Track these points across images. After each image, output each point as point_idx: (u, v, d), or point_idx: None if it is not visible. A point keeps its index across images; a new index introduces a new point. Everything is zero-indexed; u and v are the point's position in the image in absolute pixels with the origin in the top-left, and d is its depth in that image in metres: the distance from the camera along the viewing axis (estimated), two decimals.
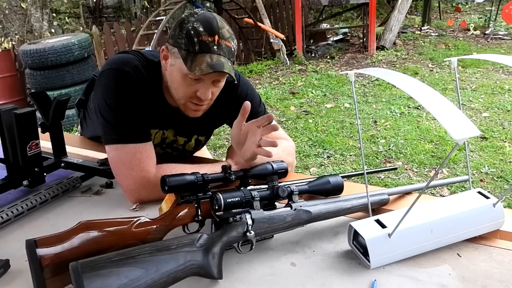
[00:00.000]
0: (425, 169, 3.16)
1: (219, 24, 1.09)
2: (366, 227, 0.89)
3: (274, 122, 1.06)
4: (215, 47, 1.07)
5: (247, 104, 1.07)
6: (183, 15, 1.12)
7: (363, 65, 6.00)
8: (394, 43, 6.75)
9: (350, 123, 4.06)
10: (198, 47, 1.06)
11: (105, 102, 1.16)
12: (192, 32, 1.07)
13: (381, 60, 6.16)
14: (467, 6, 9.48)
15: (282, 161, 1.02)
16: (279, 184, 0.96)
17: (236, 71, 1.35)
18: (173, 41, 1.11)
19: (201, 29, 1.07)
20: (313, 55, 6.70)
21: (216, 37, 1.07)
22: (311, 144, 3.70)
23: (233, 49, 1.12)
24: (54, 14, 7.60)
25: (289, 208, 0.94)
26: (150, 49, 5.01)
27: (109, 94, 1.16)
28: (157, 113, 1.25)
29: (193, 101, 1.17)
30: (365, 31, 6.73)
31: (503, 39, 6.83)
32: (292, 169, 1.32)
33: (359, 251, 0.90)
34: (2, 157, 1.18)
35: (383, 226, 0.88)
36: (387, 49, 6.49)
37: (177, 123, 1.31)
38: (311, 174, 2.90)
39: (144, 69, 1.19)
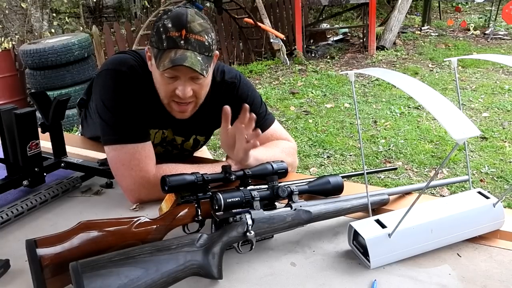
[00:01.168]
0: (425, 169, 3.16)
1: (188, 18, 1.07)
2: (366, 227, 0.89)
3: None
4: (182, 41, 1.06)
5: (227, 108, 1.08)
6: (159, 14, 1.12)
7: (363, 65, 6.00)
8: (394, 43, 6.75)
9: (350, 123, 4.06)
10: (166, 43, 1.06)
11: (102, 102, 1.16)
12: (161, 29, 1.07)
13: (381, 60, 6.16)
14: (467, 6, 9.48)
15: (282, 161, 1.02)
16: (279, 184, 0.96)
17: (237, 71, 1.34)
18: (150, 41, 1.12)
19: (169, 25, 1.06)
20: (313, 55, 6.70)
21: (184, 32, 1.06)
22: (311, 144, 3.70)
23: (206, 43, 1.09)
24: (54, 14, 7.59)
25: (289, 208, 0.94)
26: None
27: (107, 95, 1.17)
28: (155, 112, 1.25)
29: (174, 100, 1.15)
30: (365, 31, 6.73)
31: (503, 39, 6.83)
32: (293, 170, 1.32)
33: (359, 251, 0.90)
34: (2, 157, 1.19)
35: (383, 226, 0.88)
36: (387, 49, 6.49)
37: (174, 123, 1.31)
38: (311, 174, 2.90)
39: (141, 69, 1.19)
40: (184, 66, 1.04)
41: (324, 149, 3.58)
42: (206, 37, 1.09)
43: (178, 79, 1.11)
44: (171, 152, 1.40)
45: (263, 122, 1.33)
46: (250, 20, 6.07)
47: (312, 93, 4.96)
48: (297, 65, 6.09)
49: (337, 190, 1.03)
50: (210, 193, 0.94)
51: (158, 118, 1.27)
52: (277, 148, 1.27)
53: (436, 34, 7.44)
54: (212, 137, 1.49)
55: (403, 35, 7.31)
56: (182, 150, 1.41)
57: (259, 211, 0.90)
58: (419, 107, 4.25)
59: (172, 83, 1.12)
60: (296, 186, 0.98)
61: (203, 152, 1.64)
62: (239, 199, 0.89)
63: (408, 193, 1.13)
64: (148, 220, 0.91)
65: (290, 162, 1.25)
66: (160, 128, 1.31)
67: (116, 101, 1.16)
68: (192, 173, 0.94)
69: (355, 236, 0.91)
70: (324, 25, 7.98)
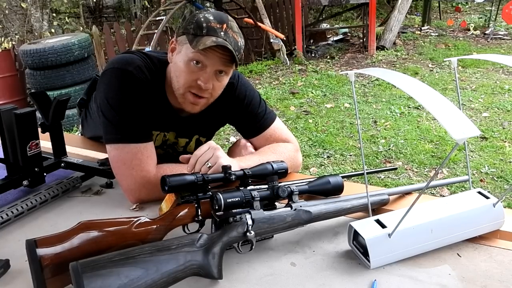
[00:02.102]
0: (425, 169, 3.16)
1: (229, 18, 1.13)
2: (366, 227, 0.89)
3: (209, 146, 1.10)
4: (222, 33, 1.09)
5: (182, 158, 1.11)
6: (197, 11, 1.15)
7: (363, 65, 6.00)
8: (394, 43, 6.75)
9: (350, 123, 4.05)
10: (205, 30, 1.09)
11: (107, 101, 1.16)
12: (202, 19, 1.10)
13: (381, 60, 6.16)
14: (467, 6, 9.48)
15: (282, 161, 1.02)
16: (279, 184, 0.96)
17: (235, 71, 1.34)
18: (183, 30, 1.13)
19: (211, 17, 1.10)
20: (313, 55, 6.70)
21: (225, 26, 1.10)
22: (311, 144, 3.70)
23: (239, 44, 1.13)
24: (54, 14, 7.59)
25: (289, 208, 0.94)
26: (150, 49, 5.01)
27: (112, 94, 1.16)
28: (159, 114, 1.25)
29: (192, 91, 1.16)
30: (365, 31, 6.73)
31: (503, 39, 6.83)
32: (296, 170, 1.31)
33: (359, 251, 0.90)
34: (2, 157, 1.18)
35: (383, 226, 0.88)
36: (387, 49, 6.49)
37: (178, 125, 1.31)
38: (311, 174, 2.90)
39: (147, 69, 1.19)
40: (225, 49, 1.08)
41: (324, 149, 3.58)
42: (240, 39, 1.14)
43: (204, 69, 1.12)
44: (172, 154, 1.40)
45: (262, 122, 1.32)
46: (250, 20, 6.07)
47: (312, 93, 4.96)
48: (297, 65, 6.09)
49: (337, 190, 1.03)
50: (210, 193, 0.94)
51: (162, 120, 1.27)
52: (273, 154, 1.25)
53: (436, 34, 7.44)
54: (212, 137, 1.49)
55: (403, 35, 7.31)
56: (185, 153, 1.41)
57: (259, 211, 0.90)
58: (419, 107, 4.25)
59: (196, 72, 1.13)
60: (296, 186, 0.98)
61: None
62: (239, 199, 0.89)
63: (408, 193, 1.13)
64: (148, 220, 0.91)
65: (289, 166, 1.24)
66: (162, 131, 1.31)
67: (120, 100, 1.16)
68: (192, 173, 0.94)
69: (355, 236, 0.91)
70: (324, 25, 7.98)
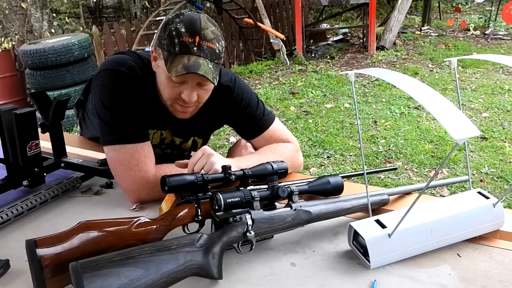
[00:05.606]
0: (425, 169, 3.16)
1: (202, 25, 1.07)
2: (366, 227, 0.89)
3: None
4: (195, 48, 1.06)
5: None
6: (170, 16, 1.12)
7: (363, 65, 6.00)
8: (394, 43, 6.74)
9: (350, 123, 4.05)
10: (178, 48, 1.06)
11: (101, 103, 1.16)
12: (174, 33, 1.06)
13: (381, 60, 6.16)
14: (467, 6, 9.48)
15: (282, 161, 1.02)
16: (279, 184, 0.96)
17: (232, 73, 1.34)
18: (159, 42, 1.11)
19: (183, 30, 1.06)
20: (313, 55, 6.70)
21: (197, 38, 1.06)
22: (311, 144, 3.70)
23: (217, 51, 1.10)
24: (54, 14, 7.59)
25: (289, 208, 0.94)
26: (150, 49, 5.00)
27: (106, 95, 1.16)
28: (154, 113, 1.25)
29: (179, 103, 1.16)
30: (365, 31, 6.73)
31: (503, 39, 6.83)
32: (297, 170, 1.31)
33: (359, 251, 0.90)
34: (2, 157, 1.18)
35: (383, 226, 0.88)
36: (387, 49, 6.49)
37: (173, 124, 1.31)
38: (311, 174, 2.90)
39: (140, 69, 1.19)
40: (197, 74, 1.04)
41: (324, 149, 3.58)
42: (217, 45, 1.10)
43: (185, 83, 1.11)
44: (171, 153, 1.40)
45: (261, 124, 1.32)
46: (250, 20, 6.07)
47: (312, 93, 4.96)
48: (297, 65, 6.08)
49: (337, 190, 1.03)
50: (210, 193, 0.94)
51: (157, 118, 1.27)
52: (273, 154, 1.24)
53: (436, 34, 7.44)
54: (212, 137, 1.49)
55: (403, 35, 7.31)
56: (182, 150, 1.41)
57: (259, 211, 0.90)
58: (419, 107, 4.25)
59: (179, 87, 1.12)
60: (296, 186, 0.97)
61: None
62: (239, 199, 0.89)
63: (408, 193, 1.13)
64: (148, 220, 0.91)
65: (289, 166, 1.24)
66: (159, 129, 1.31)
67: (115, 101, 1.16)
68: (192, 173, 0.94)
69: (355, 236, 0.91)
70: (324, 25, 7.97)
